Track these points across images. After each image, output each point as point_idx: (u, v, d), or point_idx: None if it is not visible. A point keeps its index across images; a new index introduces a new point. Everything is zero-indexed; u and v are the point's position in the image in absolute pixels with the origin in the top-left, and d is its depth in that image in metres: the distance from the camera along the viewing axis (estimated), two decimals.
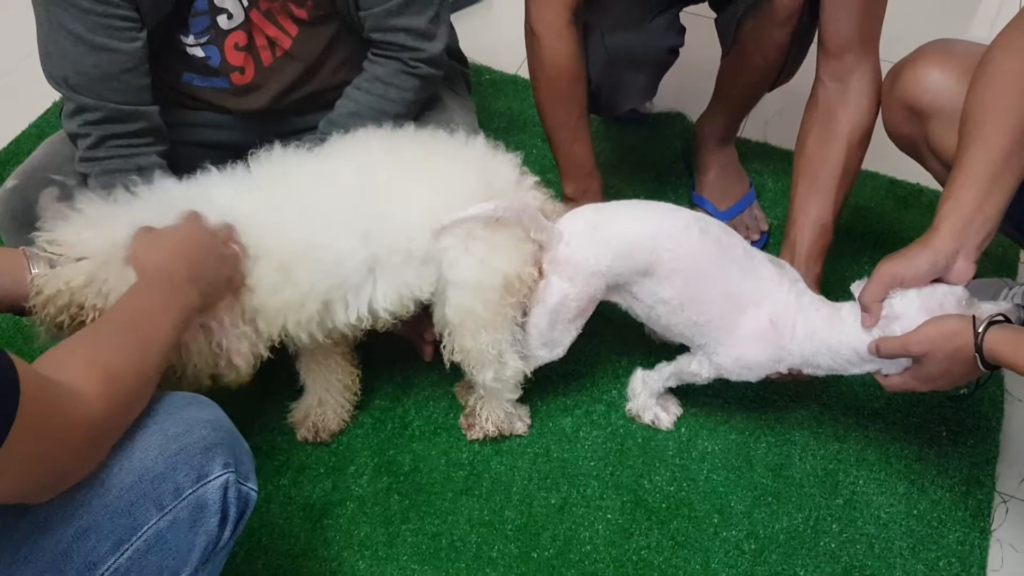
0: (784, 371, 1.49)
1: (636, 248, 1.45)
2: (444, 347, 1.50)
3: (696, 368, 1.54)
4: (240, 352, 1.36)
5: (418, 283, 1.41)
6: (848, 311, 1.41)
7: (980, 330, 1.26)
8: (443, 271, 1.41)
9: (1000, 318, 1.27)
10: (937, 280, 1.34)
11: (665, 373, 1.60)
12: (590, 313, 1.52)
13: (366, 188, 1.39)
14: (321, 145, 1.46)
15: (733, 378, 1.52)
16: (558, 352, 1.55)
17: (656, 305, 1.48)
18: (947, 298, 1.33)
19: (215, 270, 1.28)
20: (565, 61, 1.64)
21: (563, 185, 1.76)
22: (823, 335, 1.42)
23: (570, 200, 1.74)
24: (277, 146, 1.43)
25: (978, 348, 1.26)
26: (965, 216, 1.31)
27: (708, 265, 1.45)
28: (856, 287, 1.41)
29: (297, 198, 1.38)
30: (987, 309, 1.32)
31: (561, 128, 1.71)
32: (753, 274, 1.46)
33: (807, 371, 1.48)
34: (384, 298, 1.41)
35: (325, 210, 1.38)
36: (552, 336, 1.52)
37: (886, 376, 1.41)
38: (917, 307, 1.33)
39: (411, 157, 1.43)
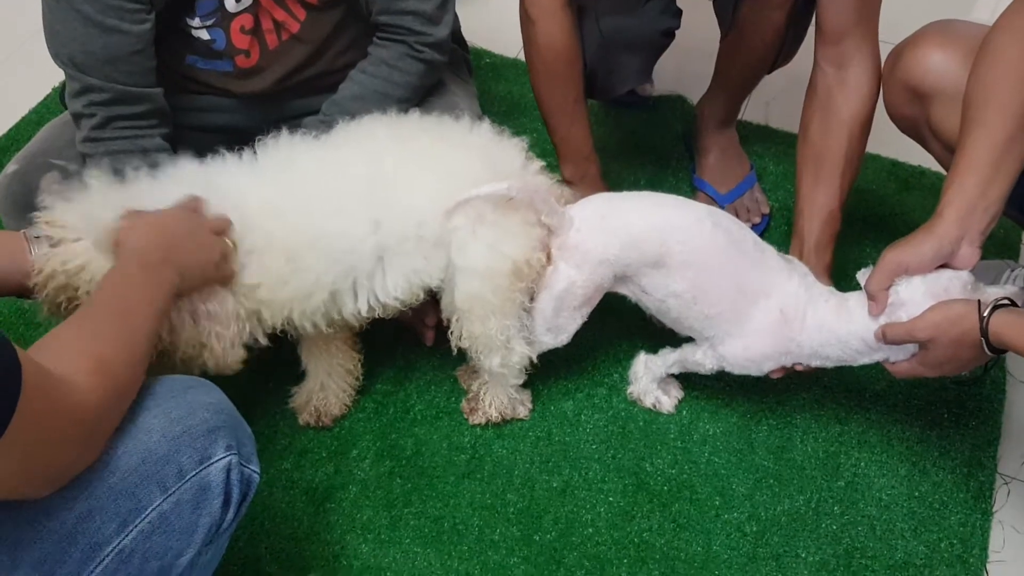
0: (789, 364, 1.49)
1: (644, 239, 1.45)
2: (451, 332, 1.50)
3: (700, 358, 1.54)
4: (226, 351, 1.36)
5: (427, 269, 1.41)
6: (856, 301, 1.41)
7: (985, 314, 1.26)
8: (452, 257, 1.41)
9: (1005, 302, 1.27)
10: (942, 266, 1.34)
11: (669, 360, 1.60)
12: (596, 302, 1.52)
13: (374, 176, 1.38)
14: (327, 131, 1.45)
15: (736, 371, 1.52)
16: (562, 339, 1.55)
17: (667, 298, 1.48)
18: (952, 283, 1.33)
19: (195, 252, 1.26)
20: (560, 44, 1.63)
21: (561, 169, 1.76)
22: (832, 326, 1.42)
23: (568, 184, 1.74)
24: (284, 132, 1.43)
25: (983, 332, 1.26)
26: (969, 202, 1.31)
27: (719, 258, 1.45)
28: (862, 275, 1.41)
29: (304, 186, 1.38)
30: (992, 293, 1.32)
31: (558, 112, 1.70)
32: (764, 266, 1.46)
33: (815, 363, 1.47)
34: (394, 286, 1.41)
35: (333, 199, 1.37)
36: (557, 322, 1.52)
37: (893, 363, 1.41)
38: (923, 293, 1.33)
39: (417, 144, 1.42)
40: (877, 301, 1.37)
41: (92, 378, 0.98)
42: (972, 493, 1.57)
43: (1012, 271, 1.74)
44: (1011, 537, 1.54)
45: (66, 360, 0.97)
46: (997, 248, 1.92)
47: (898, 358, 1.40)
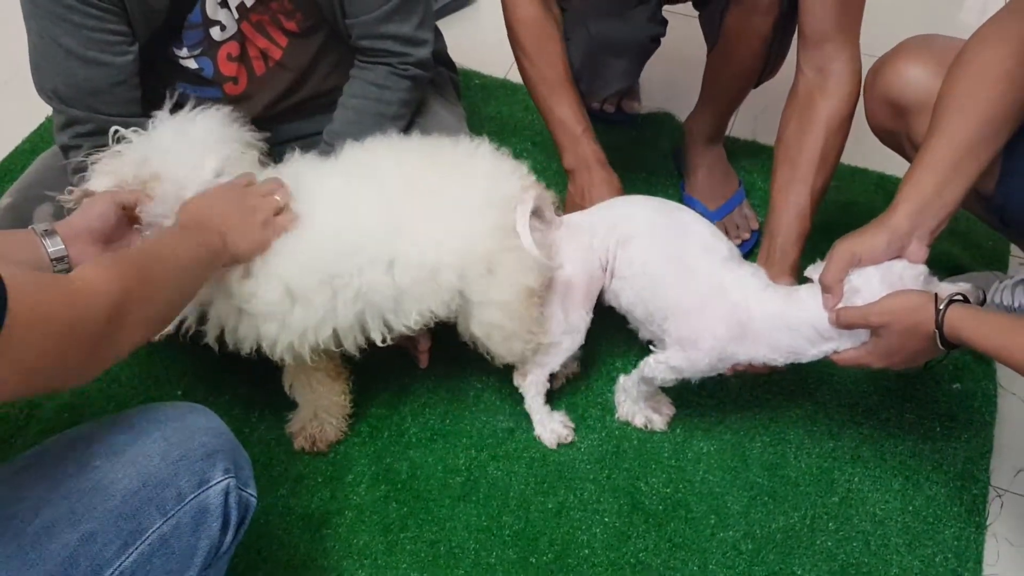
0: (737, 358, 1.49)
1: (617, 220, 1.53)
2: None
3: (652, 368, 1.54)
4: None
5: (440, 310, 1.44)
6: (806, 291, 1.43)
7: (941, 307, 1.27)
8: (468, 294, 1.43)
9: (959, 297, 1.29)
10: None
11: (635, 378, 1.61)
12: (595, 297, 1.55)
13: (385, 214, 1.39)
14: (335, 160, 1.46)
15: (686, 367, 1.51)
16: (578, 339, 1.57)
17: (626, 272, 1.52)
18: (907, 271, 1.35)
19: (239, 216, 1.32)
20: (533, 20, 1.69)
21: (561, 158, 1.74)
22: (781, 312, 1.43)
23: (569, 172, 1.73)
24: (294, 157, 1.46)
25: (939, 325, 1.27)
26: (923, 200, 1.34)
27: (671, 231, 1.51)
28: (811, 271, 1.43)
29: (318, 219, 1.39)
30: (947, 288, 1.33)
31: (544, 95, 1.71)
32: (715, 252, 1.49)
33: (763, 354, 1.47)
34: (406, 319, 1.42)
35: (350, 236, 1.38)
36: (570, 322, 1.55)
37: (840, 352, 1.42)
38: (878, 280, 1.34)
39: (423, 176, 1.43)
40: (833, 293, 1.38)
41: (108, 274, 0.99)
42: (966, 506, 1.58)
43: (1000, 283, 1.75)
44: (1005, 550, 1.55)
45: (83, 269, 1.01)
46: (986, 260, 1.93)
47: (847, 348, 1.41)
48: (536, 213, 1.47)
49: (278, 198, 1.37)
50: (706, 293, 1.47)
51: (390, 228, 1.38)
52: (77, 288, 0.96)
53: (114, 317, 0.98)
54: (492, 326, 1.46)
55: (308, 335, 1.40)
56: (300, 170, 1.44)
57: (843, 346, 1.41)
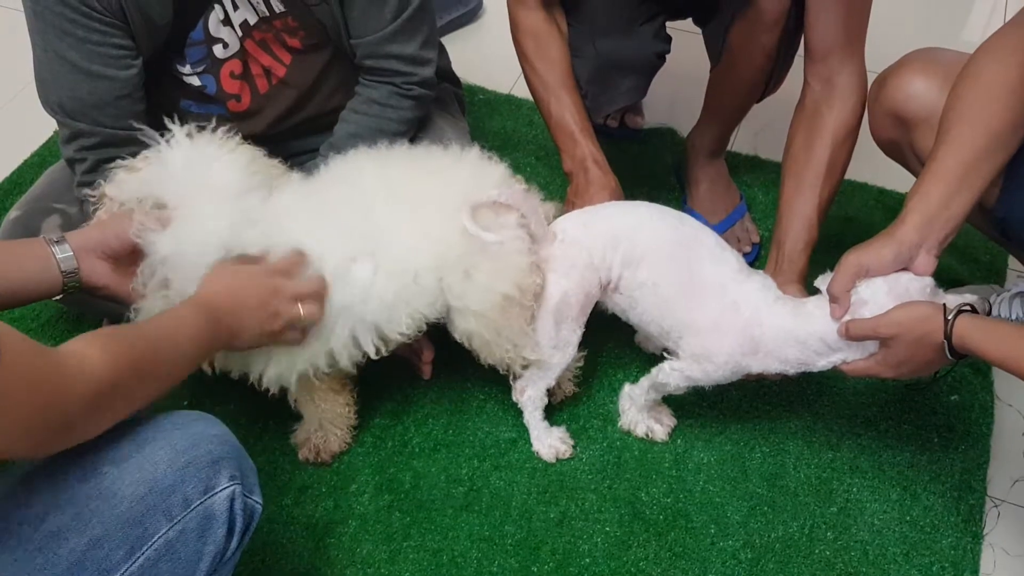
0: (751, 368, 1.50)
1: (620, 237, 1.50)
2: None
3: (666, 375, 1.55)
4: None
5: (429, 311, 1.45)
6: (814, 303, 1.44)
7: (950, 317, 1.29)
8: (448, 299, 1.44)
9: (967, 308, 1.31)
10: (901, 270, 1.38)
11: (644, 386, 1.62)
12: (588, 312, 1.55)
13: (367, 226, 1.41)
14: (316, 174, 1.47)
15: (701, 377, 1.52)
16: (570, 353, 1.57)
17: (635, 291, 1.51)
18: (912, 284, 1.36)
19: (258, 322, 1.30)
20: (536, 27, 1.71)
21: (562, 163, 1.74)
22: (790, 326, 1.44)
23: (568, 175, 1.73)
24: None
25: (947, 335, 1.29)
26: (931, 211, 1.35)
27: (679, 247, 1.50)
28: (820, 281, 1.44)
29: (300, 236, 1.40)
30: (953, 299, 1.35)
31: (544, 98, 1.72)
32: (723, 263, 1.50)
33: (775, 367, 1.48)
34: (398, 325, 1.43)
35: (333, 247, 1.40)
36: (560, 337, 1.54)
37: (849, 363, 1.43)
38: (885, 292, 1.36)
39: (406, 183, 1.44)
40: (840, 303, 1.39)
41: (99, 352, 1.00)
42: (963, 516, 1.59)
43: (998, 296, 1.76)
44: (1001, 559, 1.56)
45: (77, 340, 1.00)
46: (983, 273, 1.95)
47: (855, 358, 1.42)
48: (517, 215, 1.46)
49: (302, 311, 1.34)
50: (719, 311, 1.48)
51: (374, 239, 1.40)
52: (67, 366, 0.96)
53: (97, 405, 1.00)
54: (472, 334, 1.47)
55: (298, 364, 1.42)
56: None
57: (852, 356, 1.42)
